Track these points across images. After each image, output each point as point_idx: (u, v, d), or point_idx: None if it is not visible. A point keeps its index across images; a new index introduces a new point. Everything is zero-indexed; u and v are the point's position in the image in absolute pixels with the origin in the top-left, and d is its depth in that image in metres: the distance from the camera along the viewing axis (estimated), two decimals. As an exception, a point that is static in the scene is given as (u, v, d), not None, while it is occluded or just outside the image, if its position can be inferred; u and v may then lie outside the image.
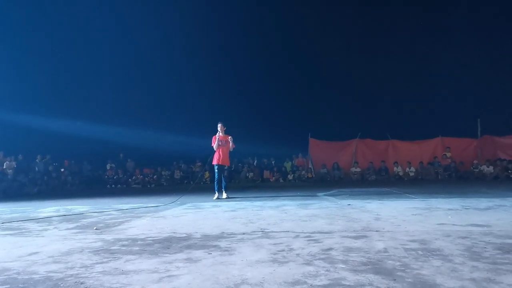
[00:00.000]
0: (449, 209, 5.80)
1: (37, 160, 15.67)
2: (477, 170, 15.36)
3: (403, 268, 2.70)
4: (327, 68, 19.94)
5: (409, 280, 2.45)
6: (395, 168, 16.37)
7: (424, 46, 19.82)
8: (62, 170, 16.05)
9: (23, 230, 4.90)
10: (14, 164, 14.11)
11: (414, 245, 3.40)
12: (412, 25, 19.22)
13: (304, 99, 20.42)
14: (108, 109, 18.35)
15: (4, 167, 13.72)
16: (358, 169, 16.65)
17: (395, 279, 2.46)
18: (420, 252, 3.15)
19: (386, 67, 19.23)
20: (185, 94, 20.02)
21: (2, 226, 5.31)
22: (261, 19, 20.20)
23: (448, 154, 16.54)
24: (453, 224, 4.47)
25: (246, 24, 19.47)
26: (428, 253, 3.11)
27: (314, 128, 18.02)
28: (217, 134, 9.21)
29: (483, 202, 6.69)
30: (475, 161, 15.88)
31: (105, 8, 18.42)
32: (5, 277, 2.78)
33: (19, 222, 5.71)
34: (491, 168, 15.00)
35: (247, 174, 16.87)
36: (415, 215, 5.31)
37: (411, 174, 16.10)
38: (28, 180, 14.07)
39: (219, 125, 9.25)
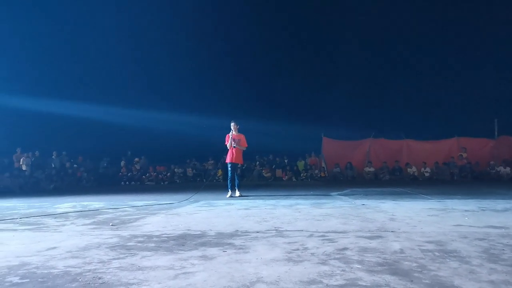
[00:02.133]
0: (465, 210, 5.72)
1: (53, 157, 15.92)
2: (494, 171, 15.09)
3: (420, 269, 2.67)
4: (341, 67, 19.85)
5: (427, 281, 2.42)
6: (409, 169, 16.19)
7: (440, 44, 19.58)
8: (75, 166, 16.28)
9: (41, 225, 4.98)
10: (30, 160, 14.36)
11: (431, 246, 3.36)
12: (428, 23, 19.00)
13: (317, 98, 20.38)
14: (120, 101, 18.56)
15: (21, 163, 13.98)
16: (371, 169, 16.51)
17: (412, 280, 2.44)
18: (437, 253, 3.11)
19: (401, 66, 19.06)
20: (200, 93, 20.16)
21: (20, 221, 5.41)
22: (274, 18, 20.21)
23: (464, 155, 16.27)
24: (470, 226, 4.40)
25: (261, 22, 19.50)
26: (445, 255, 3.07)
27: (327, 127, 17.98)
28: (231, 133, 9.25)
29: (500, 204, 6.58)
30: (491, 162, 15.59)
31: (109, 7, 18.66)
32: (24, 271, 2.83)
33: (37, 217, 5.81)
34: (508, 169, 14.73)
35: (265, 173, 16.83)
36: (431, 216, 5.25)
37: (426, 174, 15.89)
38: (45, 176, 14.31)
39: (232, 124, 9.28)
